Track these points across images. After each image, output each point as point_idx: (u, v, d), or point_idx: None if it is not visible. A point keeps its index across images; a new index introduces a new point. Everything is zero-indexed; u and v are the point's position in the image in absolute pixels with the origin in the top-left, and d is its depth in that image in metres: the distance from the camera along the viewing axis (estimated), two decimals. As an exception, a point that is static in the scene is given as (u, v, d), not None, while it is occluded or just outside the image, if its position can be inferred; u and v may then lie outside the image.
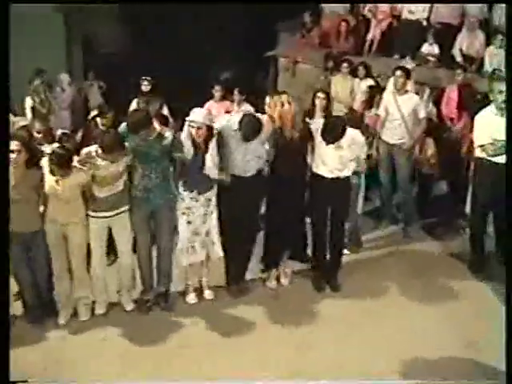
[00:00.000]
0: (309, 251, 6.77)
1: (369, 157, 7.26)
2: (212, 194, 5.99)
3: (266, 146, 6.05)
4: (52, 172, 5.44)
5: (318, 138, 6.08)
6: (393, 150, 7.64)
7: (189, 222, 5.96)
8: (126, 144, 5.59)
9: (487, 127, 6.23)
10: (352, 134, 6.19)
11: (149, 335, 5.68)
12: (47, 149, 5.59)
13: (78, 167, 5.49)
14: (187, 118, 5.72)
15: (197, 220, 5.97)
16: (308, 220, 6.60)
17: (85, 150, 5.62)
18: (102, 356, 5.40)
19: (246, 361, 5.38)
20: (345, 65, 9.55)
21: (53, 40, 11.50)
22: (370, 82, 9.31)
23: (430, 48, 9.75)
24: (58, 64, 11.41)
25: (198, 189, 5.88)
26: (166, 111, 8.67)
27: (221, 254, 6.20)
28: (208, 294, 6.33)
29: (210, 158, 5.80)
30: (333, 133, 5.99)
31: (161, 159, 5.73)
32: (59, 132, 7.35)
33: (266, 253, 6.59)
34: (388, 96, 7.78)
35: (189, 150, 5.74)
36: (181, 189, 5.90)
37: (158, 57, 11.96)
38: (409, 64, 9.01)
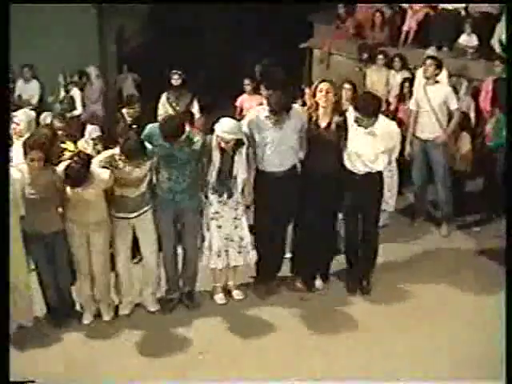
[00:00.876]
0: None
1: (402, 153, 7.07)
2: (240, 197, 5.90)
3: (299, 135, 5.88)
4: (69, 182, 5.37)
5: (353, 126, 5.87)
6: (426, 146, 7.35)
7: (219, 227, 5.86)
8: (150, 147, 5.51)
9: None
10: (387, 122, 6.03)
11: (171, 336, 5.66)
12: (60, 167, 5.48)
13: (99, 172, 5.42)
14: (216, 131, 5.58)
15: (227, 224, 5.87)
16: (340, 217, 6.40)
17: (107, 153, 5.58)
18: (123, 357, 5.39)
19: (265, 363, 5.32)
20: (380, 56, 9.38)
21: (86, 33, 11.45)
22: (406, 74, 9.12)
23: (467, 39, 9.41)
24: (91, 57, 11.36)
25: (227, 192, 5.78)
26: (196, 106, 8.56)
27: (255, 257, 6.12)
28: (236, 293, 6.25)
29: (240, 166, 5.73)
30: (366, 106, 5.79)
31: (188, 163, 5.65)
32: (88, 136, 7.32)
33: (297, 252, 6.43)
34: (418, 88, 7.52)
35: (216, 157, 5.65)
36: (209, 192, 5.80)
37: (192, 49, 11.89)
38: (442, 55, 8.75)
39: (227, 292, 6.24)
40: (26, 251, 5.54)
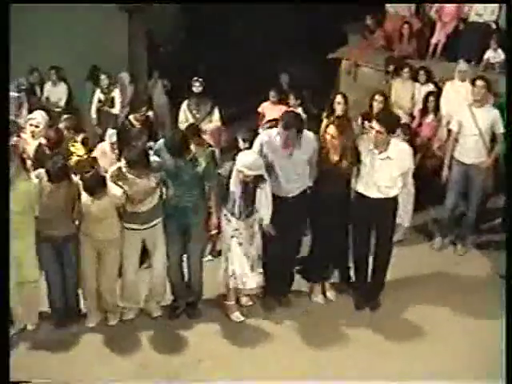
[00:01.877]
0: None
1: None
2: (256, 215, 5.88)
3: (309, 163, 5.88)
4: (87, 191, 5.45)
5: (368, 155, 5.82)
6: (469, 170, 7.04)
7: (240, 244, 5.84)
8: (157, 159, 5.59)
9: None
10: (398, 144, 5.97)
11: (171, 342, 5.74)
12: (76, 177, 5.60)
13: (111, 186, 5.49)
14: (237, 165, 5.56)
15: (246, 241, 5.87)
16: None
17: (114, 167, 5.64)
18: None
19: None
20: (405, 69, 9.23)
21: (116, 39, 11.55)
22: (431, 87, 8.99)
23: (493, 54, 9.22)
24: (121, 63, 11.47)
25: (242, 215, 5.78)
26: (217, 114, 8.56)
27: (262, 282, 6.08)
28: (245, 300, 6.28)
29: (263, 199, 5.70)
30: (386, 118, 5.82)
31: (192, 184, 5.70)
32: (108, 140, 7.32)
33: (310, 268, 6.46)
34: (463, 108, 7.10)
35: (237, 189, 5.66)
36: (224, 211, 5.81)
37: (219, 57, 11.93)
38: (470, 69, 8.61)
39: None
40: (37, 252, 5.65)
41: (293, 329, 5.96)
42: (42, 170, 5.46)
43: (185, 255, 6.06)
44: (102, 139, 7.77)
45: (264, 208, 5.74)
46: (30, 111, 8.83)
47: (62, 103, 10.19)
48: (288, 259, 6.27)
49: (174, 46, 12.88)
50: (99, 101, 10.07)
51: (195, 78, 8.63)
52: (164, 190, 5.79)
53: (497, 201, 7.82)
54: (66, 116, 7.45)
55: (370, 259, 6.30)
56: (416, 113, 8.97)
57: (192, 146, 5.74)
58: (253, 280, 5.89)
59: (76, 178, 5.53)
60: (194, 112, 8.52)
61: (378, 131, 5.69)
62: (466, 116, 6.93)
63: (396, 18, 10.55)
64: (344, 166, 5.83)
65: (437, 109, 8.57)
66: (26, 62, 10.10)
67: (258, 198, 5.71)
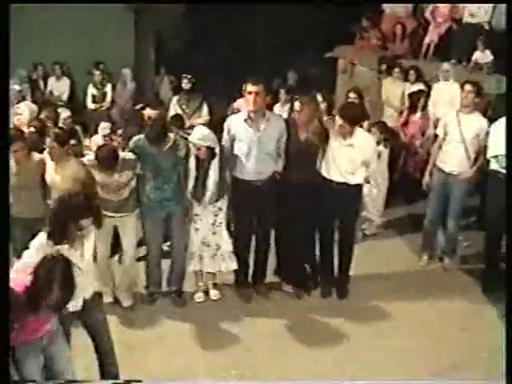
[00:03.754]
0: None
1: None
2: (221, 204, 5.99)
3: (278, 144, 5.97)
4: (51, 156, 5.66)
5: (333, 138, 6.01)
6: (448, 179, 6.69)
7: (196, 229, 6.00)
8: (132, 157, 5.75)
9: (502, 137, 5.96)
10: (363, 134, 6.19)
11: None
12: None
13: (76, 161, 5.72)
14: (190, 138, 5.81)
15: (205, 228, 5.99)
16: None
17: (86, 158, 5.85)
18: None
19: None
20: (396, 69, 9.40)
21: (122, 36, 11.89)
22: (420, 86, 9.12)
23: (481, 55, 9.30)
24: (126, 59, 11.80)
25: (199, 196, 5.90)
26: (205, 108, 8.82)
27: (233, 267, 6.20)
28: (214, 293, 6.36)
29: (213, 178, 5.82)
30: (350, 114, 5.94)
31: (174, 170, 5.86)
32: (101, 133, 7.64)
33: (279, 262, 6.55)
34: (450, 114, 6.80)
35: (192, 164, 5.83)
36: (188, 195, 5.96)
37: (222, 55, 12.17)
38: (458, 69, 8.73)
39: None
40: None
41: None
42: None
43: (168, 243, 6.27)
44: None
45: (212, 184, 5.83)
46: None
47: (65, 97, 10.60)
48: (259, 249, 6.37)
49: (181, 43, 13.12)
50: (92, 95, 10.38)
51: (184, 75, 8.91)
52: (141, 186, 5.93)
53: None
54: (48, 109, 7.78)
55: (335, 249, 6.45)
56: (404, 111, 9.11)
57: (171, 135, 5.90)
58: (211, 266, 6.10)
59: (40, 155, 5.78)
60: (184, 107, 8.77)
61: (340, 125, 5.89)
62: (451, 121, 6.61)
63: (391, 17, 10.71)
64: (312, 142, 5.97)
65: (425, 107, 8.72)
66: (31, 57, 10.52)
67: (210, 174, 5.80)
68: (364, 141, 6.06)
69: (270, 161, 5.99)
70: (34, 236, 5.68)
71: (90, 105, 10.62)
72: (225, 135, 6.00)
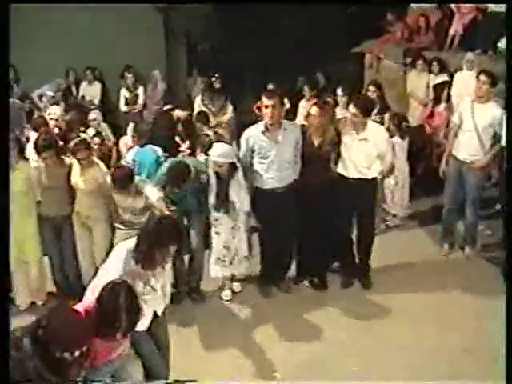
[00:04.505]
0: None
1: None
2: (240, 213, 6.10)
3: (295, 150, 6.08)
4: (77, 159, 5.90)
5: (347, 134, 6.10)
6: (462, 167, 6.72)
7: (217, 233, 6.12)
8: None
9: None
10: (376, 127, 6.28)
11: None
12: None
13: (99, 166, 5.96)
14: (210, 156, 5.91)
15: (226, 232, 6.10)
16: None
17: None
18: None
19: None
20: (419, 61, 9.40)
21: (152, 38, 12.07)
22: (444, 77, 9.11)
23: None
24: (157, 61, 11.99)
25: (219, 207, 6.02)
26: (230, 107, 9.01)
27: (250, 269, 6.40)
28: (236, 286, 6.51)
29: (236, 189, 5.95)
30: (361, 102, 6.06)
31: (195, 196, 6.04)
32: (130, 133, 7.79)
33: (300, 262, 6.66)
34: (465, 102, 6.80)
35: (213, 180, 5.97)
36: (211, 210, 6.08)
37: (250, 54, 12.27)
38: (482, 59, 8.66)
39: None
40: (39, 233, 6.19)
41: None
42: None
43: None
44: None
45: (240, 196, 5.98)
46: (67, 109, 9.57)
47: (97, 101, 10.88)
48: (283, 251, 6.48)
49: (211, 43, 13.28)
50: (125, 98, 10.66)
51: (211, 74, 9.12)
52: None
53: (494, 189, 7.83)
54: (72, 112, 8.05)
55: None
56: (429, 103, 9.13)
57: (192, 169, 5.92)
58: (232, 269, 6.26)
59: (68, 159, 6.02)
60: (210, 106, 8.98)
61: (353, 114, 5.98)
62: (466, 110, 6.63)
63: (416, 10, 10.69)
64: (326, 148, 6.10)
65: (449, 99, 8.73)
66: (64, 63, 10.84)
67: (233, 188, 5.94)
68: (377, 133, 6.15)
69: (290, 168, 6.12)
70: (60, 233, 6.08)
71: (123, 107, 10.89)
72: (243, 147, 6.13)
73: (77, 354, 3.30)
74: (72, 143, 5.98)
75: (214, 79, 9.08)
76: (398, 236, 7.60)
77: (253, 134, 6.06)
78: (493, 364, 4.93)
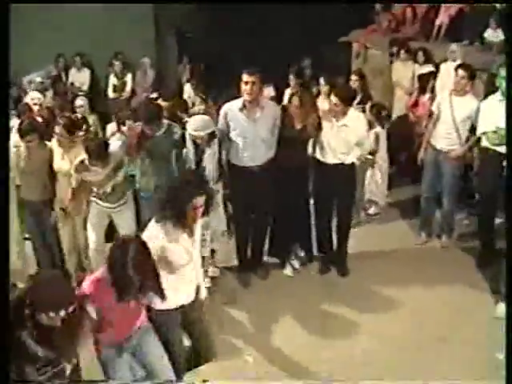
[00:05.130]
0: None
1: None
2: (218, 187, 6.14)
3: (272, 131, 6.10)
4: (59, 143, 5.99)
5: (326, 121, 6.16)
6: (439, 156, 6.83)
7: None
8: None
9: (491, 114, 6.05)
10: (356, 114, 6.34)
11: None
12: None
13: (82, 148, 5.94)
14: (188, 129, 5.91)
15: None
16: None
17: (76, 161, 5.87)
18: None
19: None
20: (402, 51, 9.47)
21: (142, 25, 12.12)
22: (429, 67, 9.18)
23: (492, 33, 9.31)
24: (147, 49, 12.04)
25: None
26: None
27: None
28: (212, 271, 6.51)
29: (209, 158, 5.97)
30: (344, 93, 6.11)
31: (166, 157, 6.01)
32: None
33: (273, 243, 6.73)
34: (444, 93, 6.90)
35: (190, 151, 5.98)
36: None
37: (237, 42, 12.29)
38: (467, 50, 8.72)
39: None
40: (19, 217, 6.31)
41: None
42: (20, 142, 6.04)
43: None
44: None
45: (212, 166, 5.98)
46: (55, 95, 9.66)
47: (86, 87, 10.94)
48: (259, 231, 6.55)
49: (199, 31, 13.30)
50: (113, 85, 10.72)
51: (198, 63, 9.21)
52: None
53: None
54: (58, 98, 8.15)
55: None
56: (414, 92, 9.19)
57: (165, 120, 6.08)
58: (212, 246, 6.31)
59: (49, 143, 6.11)
60: (200, 94, 9.03)
61: (334, 104, 6.04)
62: (444, 102, 6.72)
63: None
64: (307, 132, 6.14)
65: (434, 89, 8.79)
66: (53, 50, 10.90)
67: (206, 157, 5.95)
68: (357, 121, 6.22)
69: (265, 147, 6.13)
70: (41, 217, 6.16)
71: (111, 94, 10.96)
72: (220, 121, 6.15)
73: (62, 314, 3.33)
74: (61, 121, 6.05)
75: (200, 66, 9.13)
76: (378, 224, 7.70)
77: (230, 110, 6.07)
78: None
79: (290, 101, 6.32)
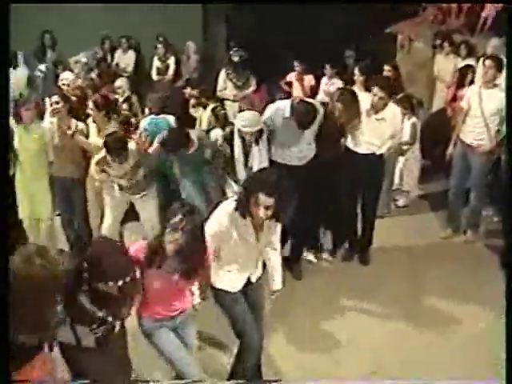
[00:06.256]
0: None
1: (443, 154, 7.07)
2: None
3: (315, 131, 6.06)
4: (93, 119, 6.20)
5: (365, 115, 6.11)
6: (468, 152, 6.78)
7: None
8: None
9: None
10: (395, 108, 6.28)
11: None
12: None
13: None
14: (236, 124, 5.83)
15: None
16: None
17: (97, 157, 5.97)
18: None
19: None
20: (445, 44, 9.36)
21: (190, 10, 12.25)
22: (470, 61, 9.04)
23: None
24: (192, 33, 12.16)
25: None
26: (253, 82, 9.17)
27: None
28: None
29: (258, 154, 5.89)
30: (385, 84, 6.09)
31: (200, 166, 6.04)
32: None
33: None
34: (474, 88, 6.85)
35: (239, 147, 5.88)
36: (228, 180, 6.06)
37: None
38: (497, 44, 8.53)
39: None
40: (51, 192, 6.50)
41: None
42: (53, 119, 6.23)
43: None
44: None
45: (256, 160, 5.89)
46: (99, 76, 9.87)
47: (130, 69, 11.11)
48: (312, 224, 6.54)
49: (248, 19, 13.34)
50: (156, 68, 10.89)
51: (235, 49, 9.23)
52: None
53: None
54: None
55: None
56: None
57: (194, 139, 5.92)
58: None
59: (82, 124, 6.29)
60: (234, 80, 9.13)
61: (380, 97, 6.00)
62: (474, 95, 6.64)
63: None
64: (346, 129, 6.15)
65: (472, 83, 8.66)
66: (99, 31, 11.13)
67: (253, 153, 5.87)
68: (394, 114, 6.20)
69: (310, 146, 6.13)
70: (70, 195, 6.36)
71: (155, 76, 11.11)
72: (268, 119, 6.01)
73: (120, 283, 3.46)
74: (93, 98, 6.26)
75: (234, 53, 9.18)
76: (406, 217, 7.67)
77: (275, 116, 5.97)
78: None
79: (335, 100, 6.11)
